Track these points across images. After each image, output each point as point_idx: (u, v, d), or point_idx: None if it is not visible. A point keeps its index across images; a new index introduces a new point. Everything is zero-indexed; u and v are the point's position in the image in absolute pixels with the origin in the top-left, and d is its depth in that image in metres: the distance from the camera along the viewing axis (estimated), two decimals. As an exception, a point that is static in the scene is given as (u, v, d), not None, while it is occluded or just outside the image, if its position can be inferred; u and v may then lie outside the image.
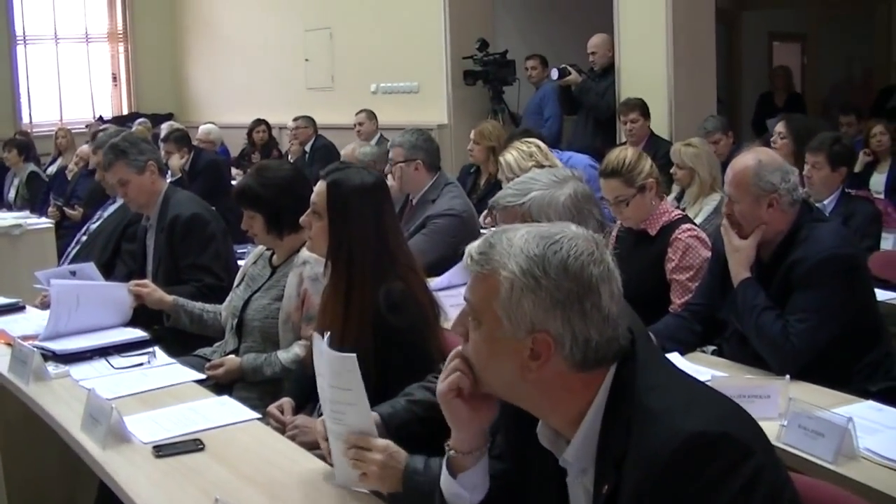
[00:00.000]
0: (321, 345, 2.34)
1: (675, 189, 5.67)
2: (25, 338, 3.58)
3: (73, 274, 4.24)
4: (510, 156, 4.67)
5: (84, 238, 5.65)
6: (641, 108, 7.16)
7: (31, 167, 9.71)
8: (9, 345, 3.53)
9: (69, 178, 8.93)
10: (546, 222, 2.38)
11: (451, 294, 3.53)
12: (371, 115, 9.34)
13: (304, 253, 3.43)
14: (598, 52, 8.04)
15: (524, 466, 1.88)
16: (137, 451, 2.62)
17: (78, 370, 3.36)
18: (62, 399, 3.10)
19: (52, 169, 10.21)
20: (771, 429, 2.52)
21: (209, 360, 3.60)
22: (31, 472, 3.84)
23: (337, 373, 2.27)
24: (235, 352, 3.58)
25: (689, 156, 5.41)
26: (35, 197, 9.26)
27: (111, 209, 5.58)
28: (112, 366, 3.42)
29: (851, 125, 8.38)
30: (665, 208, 3.95)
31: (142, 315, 3.92)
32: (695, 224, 4.06)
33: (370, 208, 2.85)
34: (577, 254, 1.63)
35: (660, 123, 7.38)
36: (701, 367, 3.13)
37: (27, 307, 4.29)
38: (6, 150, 9.79)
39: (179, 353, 3.65)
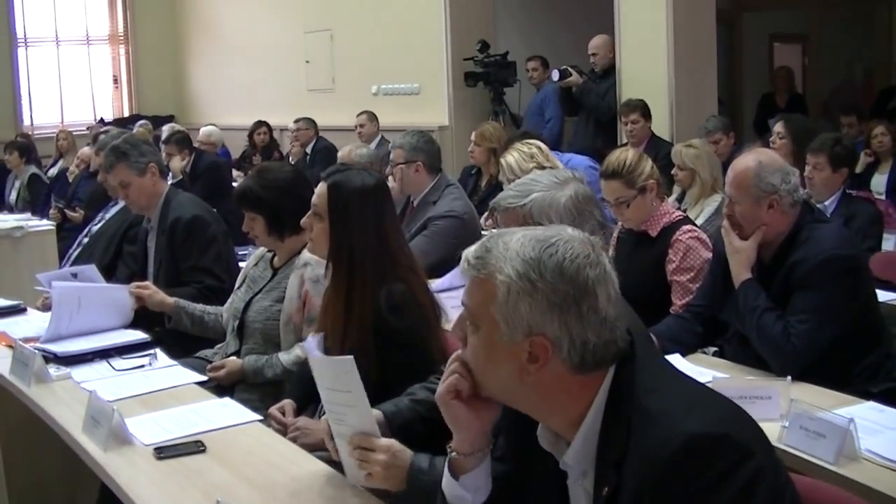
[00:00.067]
0: (315, 350, 2.34)
1: (677, 190, 5.67)
2: (27, 340, 3.58)
3: (75, 276, 4.24)
4: (511, 157, 4.67)
5: (86, 240, 5.65)
6: (642, 109, 7.17)
7: (33, 169, 9.72)
8: (10, 347, 3.53)
9: (70, 181, 8.94)
10: (547, 224, 2.39)
11: (452, 295, 3.52)
12: (372, 117, 9.35)
13: (306, 255, 3.43)
14: (599, 54, 8.04)
15: (525, 468, 1.88)
16: (139, 453, 2.62)
17: (79, 372, 3.37)
18: (63, 401, 3.10)
19: (53, 171, 10.22)
20: (772, 430, 2.52)
21: (210, 362, 3.61)
22: (32, 473, 3.85)
23: (335, 376, 2.28)
24: (237, 353, 3.58)
25: (690, 157, 5.41)
26: (36, 199, 9.27)
27: (113, 211, 5.59)
28: (113, 368, 3.42)
29: (852, 126, 8.38)
30: (666, 209, 3.95)
31: (143, 317, 3.92)
32: (696, 225, 4.06)
33: (371, 210, 2.85)
34: (573, 256, 1.63)
35: (661, 125, 7.38)
36: (702, 369, 3.14)
37: (28, 309, 4.30)
38: (7, 152, 9.80)
39: (181, 354, 3.66)
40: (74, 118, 13.01)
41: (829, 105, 11.48)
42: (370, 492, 2.33)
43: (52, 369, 3.34)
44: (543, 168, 4.35)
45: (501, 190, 4.04)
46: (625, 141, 7.22)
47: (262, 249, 3.77)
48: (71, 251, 5.75)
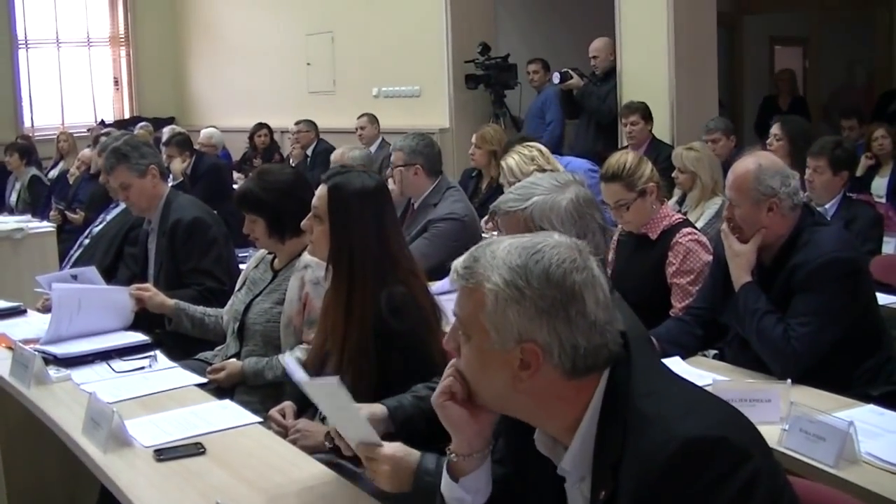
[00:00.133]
0: (296, 373, 2.36)
1: (677, 193, 5.67)
2: (27, 341, 3.58)
3: (75, 278, 4.24)
4: (512, 160, 4.67)
5: (86, 241, 5.66)
6: (642, 111, 7.17)
7: (33, 171, 9.72)
8: (10, 348, 3.53)
9: (71, 182, 8.93)
10: (548, 227, 2.39)
11: (452, 298, 3.51)
12: (373, 119, 9.35)
13: (306, 257, 3.43)
14: (600, 56, 8.04)
15: (524, 471, 1.88)
16: (138, 455, 2.62)
17: (79, 374, 3.37)
18: (63, 403, 3.10)
19: (53, 173, 10.22)
20: (772, 433, 2.53)
21: (210, 364, 3.61)
22: (31, 475, 3.85)
23: (324, 395, 2.30)
24: (237, 355, 3.58)
25: (691, 160, 5.41)
26: (37, 201, 9.27)
27: (114, 213, 5.59)
28: (113, 369, 3.42)
29: (853, 129, 8.38)
30: (665, 212, 3.96)
31: (143, 319, 3.92)
32: (695, 228, 4.06)
33: (371, 212, 2.85)
34: (559, 262, 1.64)
35: (661, 127, 7.38)
36: (702, 371, 3.13)
37: (28, 311, 4.30)
38: (8, 154, 9.80)
39: (181, 356, 3.66)
40: (75, 120, 13.02)
41: (829, 108, 11.48)
42: (369, 493, 2.34)
43: (52, 371, 3.34)
44: (544, 171, 4.34)
45: (502, 192, 4.05)
46: (625, 143, 7.22)
47: (262, 251, 3.77)
48: (71, 253, 5.76)
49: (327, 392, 2.27)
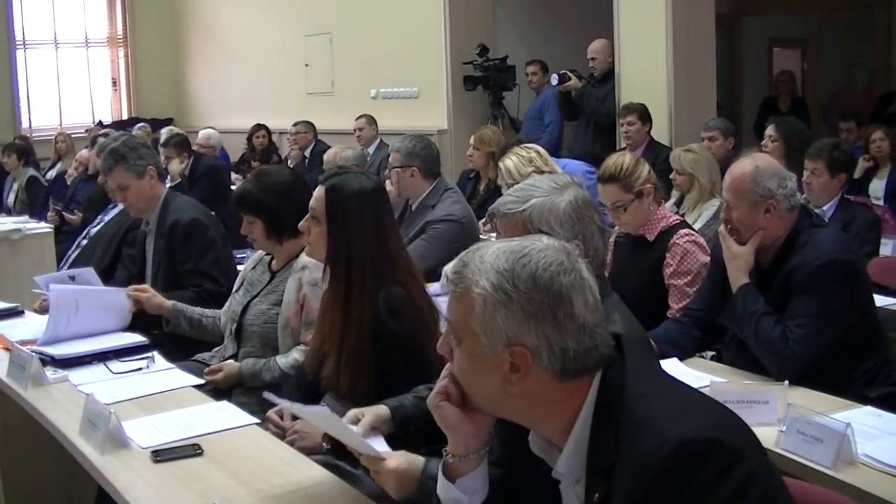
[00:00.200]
0: (284, 402, 2.38)
1: (675, 194, 5.67)
2: (24, 342, 3.58)
3: (73, 279, 4.24)
4: (510, 161, 4.67)
5: (84, 242, 5.66)
6: (640, 112, 7.17)
7: (31, 172, 9.71)
8: (7, 349, 3.53)
9: (69, 183, 8.93)
10: (547, 229, 2.39)
11: (450, 299, 3.54)
12: (371, 121, 9.35)
13: (304, 258, 3.43)
14: (598, 58, 8.04)
15: (519, 473, 1.88)
16: (136, 457, 2.62)
17: (76, 375, 3.36)
18: (60, 404, 3.10)
19: (51, 173, 10.21)
20: (770, 434, 2.53)
21: (208, 365, 3.60)
22: (29, 477, 3.84)
23: (320, 420, 2.31)
24: (234, 357, 3.57)
25: (689, 161, 5.41)
26: (34, 201, 9.27)
27: (112, 213, 5.59)
28: (111, 371, 3.42)
29: (851, 131, 8.38)
30: (663, 214, 3.96)
31: (141, 320, 3.92)
32: (693, 229, 4.07)
33: (369, 213, 2.85)
34: (546, 265, 1.65)
35: (659, 129, 7.39)
36: (700, 373, 3.14)
37: (26, 312, 4.29)
38: (5, 154, 9.79)
39: (178, 357, 3.66)
40: (73, 121, 13.01)
41: (828, 110, 11.48)
42: (367, 495, 2.34)
43: (50, 372, 3.34)
44: (542, 172, 4.35)
45: (500, 194, 4.04)
46: (623, 145, 7.22)
47: (260, 252, 3.77)
48: (69, 253, 5.76)
49: (320, 418, 2.31)
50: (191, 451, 2.62)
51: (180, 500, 2.37)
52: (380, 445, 2.31)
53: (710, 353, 3.58)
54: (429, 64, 9.55)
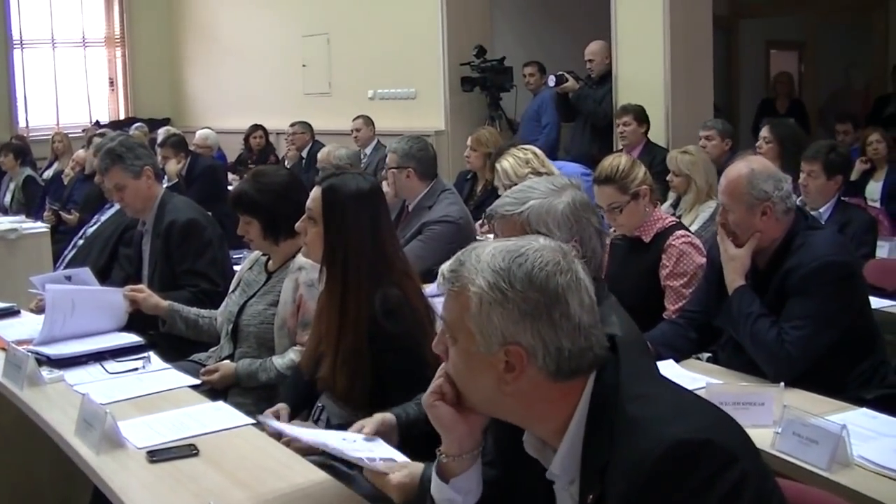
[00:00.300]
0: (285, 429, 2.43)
1: (672, 196, 5.68)
2: (20, 342, 3.57)
3: (69, 279, 4.24)
4: (506, 162, 4.67)
5: (80, 242, 5.65)
6: (636, 113, 7.17)
7: (28, 171, 9.70)
8: (3, 349, 3.52)
9: (65, 183, 8.92)
10: (544, 231, 2.39)
11: (446, 300, 3.53)
12: (368, 121, 9.36)
13: (300, 258, 3.43)
14: (596, 59, 8.05)
15: (514, 473, 1.89)
16: (131, 457, 2.62)
17: (72, 375, 3.36)
18: (56, 404, 3.09)
19: (48, 173, 10.20)
20: (765, 436, 2.53)
21: (204, 366, 3.60)
22: (24, 477, 3.84)
23: (321, 442, 2.35)
24: (230, 357, 3.57)
25: (686, 163, 5.43)
26: (31, 201, 9.26)
27: (108, 213, 5.59)
28: (107, 371, 3.42)
29: (848, 133, 8.40)
30: (659, 215, 3.97)
31: (137, 320, 3.92)
32: (689, 231, 4.07)
33: (366, 214, 2.85)
34: (542, 265, 1.65)
35: (656, 131, 7.40)
36: (696, 374, 3.14)
37: (22, 312, 4.29)
38: (2, 154, 9.78)
39: (174, 358, 3.65)
40: (70, 120, 13.01)
41: (825, 112, 11.50)
42: (363, 495, 2.34)
43: (45, 372, 3.33)
44: (538, 173, 4.36)
45: (497, 195, 4.05)
46: (620, 147, 7.23)
47: (256, 253, 3.77)
48: (65, 253, 5.75)
49: (319, 440, 2.35)
50: (187, 451, 2.61)
51: (176, 500, 2.37)
52: (381, 449, 2.32)
53: (707, 355, 3.58)
54: (426, 65, 9.55)
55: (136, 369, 3.43)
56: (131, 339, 3.70)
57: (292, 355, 3.39)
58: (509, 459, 1.89)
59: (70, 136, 10.83)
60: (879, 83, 11.87)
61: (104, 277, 4.70)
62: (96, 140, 7.36)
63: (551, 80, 8.19)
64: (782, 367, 3.05)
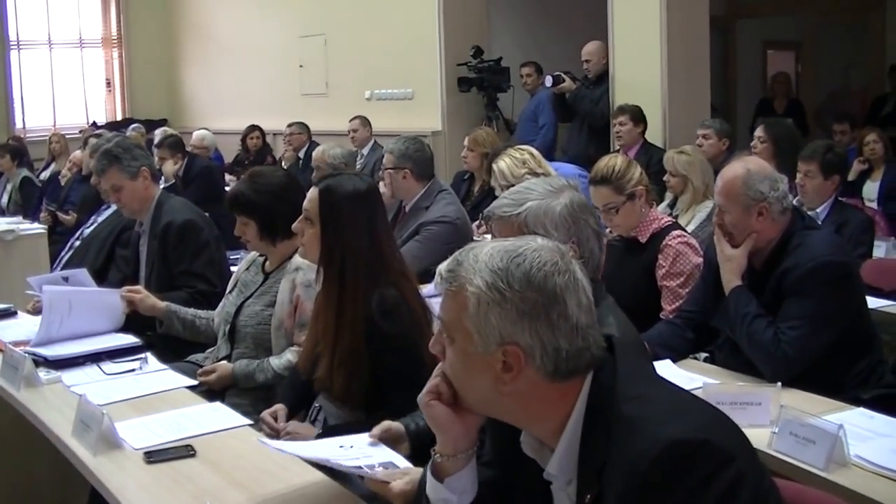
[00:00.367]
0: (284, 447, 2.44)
1: (668, 196, 5.68)
2: (17, 343, 3.57)
3: (66, 280, 4.23)
4: (503, 163, 4.67)
5: (77, 243, 5.65)
6: (632, 112, 7.17)
7: (25, 172, 9.69)
8: (0, 350, 3.52)
9: (62, 184, 8.92)
10: (542, 232, 2.39)
11: (443, 301, 3.53)
12: (365, 122, 9.36)
13: (297, 259, 3.43)
14: (593, 60, 8.05)
15: (511, 473, 1.89)
16: (129, 458, 2.61)
17: (69, 376, 3.36)
18: (53, 405, 3.09)
19: (45, 174, 10.20)
20: (762, 436, 2.53)
21: (201, 366, 3.60)
22: (21, 478, 3.84)
23: (322, 456, 2.35)
24: (228, 358, 3.57)
25: (682, 163, 5.43)
26: (28, 202, 9.25)
27: (105, 214, 5.58)
28: (104, 372, 3.42)
29: (845, 133, 8.40)
30: (655, 215, 3.97)
31: (134, 321, 3.91)
32: (685, 230, 4.07)
33: (362, 215, 2.85)
34: (540, 265, 1.65)
35: (653, 131, 7.40)
36: (693, 374, 3.14)
37: (19, 312, 4.28)
38: (-1, 155, 9.78)
39: (171, 358, 3.65)
40: (67, 121, 12.99)
41: (822, 112, 11.51)
42: (359, 496, 2.34)
43: (42, 373, 3.33)
44: (535, 174, 4.35)
45: (494, 195, 4.05)
46: (617, 147, 7.23)
47: (253, 254, 3.77)
48: (62, 254, 5.74)
49: (319, 454, 2.34)
50: (184, 452, 2.61)
51: (173, 500, 2.37)
52: (381, 453, 2.32)
53: (704, 355, 3.59)
54: (423, 65, 9.55)
55: (133, 370, 3.42)
56: (128, 340, 3.70)
57: (289, 356, 3.39)
58: (507, 459, 1.89)
59: (67, 136, 10.81)
60: (877, 83, 11.88)
61: (101, 278, 4.70)
62: (92, 141, 7.36)
63: (548, 81, 8.19)
64: (779, 367, 3.06)
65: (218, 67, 12.72)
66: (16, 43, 12.81)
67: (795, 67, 12.75)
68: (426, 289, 3.04)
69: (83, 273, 4.32)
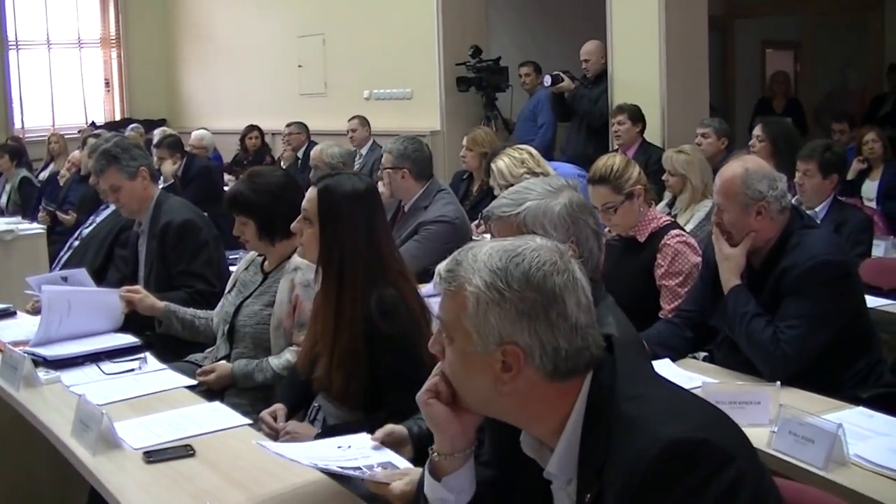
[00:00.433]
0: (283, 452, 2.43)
1: (667, 196, 5.69)
2: (16, 343, 3.57)
3: (65, 280, 4.23)
4: (502, 162, 4.67)
5: (76, 243, 5.65)
6: (630, 112, 7.16)
7: (23, 172, 9.69)
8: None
9: (61, 184, 8.91)
10: (541, 232, 2.39)
11: (442, 300, 3.53)
12: (364, 122, 9.35)
13: (296, 259, 3.43)
14: (591, 59, 8.05)
15: (511, 473, 1.89)
16: (128, 457, 2.61)
17: (69, 376, 3.36)
18: (52, 405, 3.09)
19: (44, 174, 10.20)
20: (762, 435, 2.53)
21: (200, 366, 3.60)
22: (21, 478, 3.84)
23: (320, 460, 2.35)
24: (227, 358, 3.57)
25: (681, 163, 5.43)
26: (27, 202, 9.24)
27: (104, 214, 5.58)
28: (103, 371, 3.42)
29: (844, 132, 8.41)
30: (653, 215, 3.97)
31: (133, 321, 3.91)
32: (683, 230, 4.07)
33: (361, 214, 2.85)
34: (540, 264, 1.65)
35: (652, 130, 7.39)
36: (692, 374, 3.14)
37: (18, 313, 4.28)
38: (-2, 155, 9.77)
39: (171, 358, 3.65)
40: (66, 121, 12.98)
41: (821, 111, 11.51)
42: (359, 495, 2.34)
43: (42, 373, 3.33)
44: (534, 173, 4.35)
45: (493, 195, 4.04)
46: (615, 146, 7.23)
47: (252, 253, 3.77)
48: (61, 254, 5.74)
49: (317, 459, 2.34)
50: (183, 451, 2.61)
51: (172, 500, 2.37)
52: (380, 454, 2.32)
53: (703, 354, 3.59)
54: (422, 65, 9.55)
55: (132, 370, 3.42)
56: (128, 339, 3.70)
57: (288, 356, 3.39)
58: (506, 459, 1.89)
59: (66, 137, 10.81)
60: (875, 83, 11.88)
61: (100, 278, 4.70)
62: (91, 141, 7.35)
63: (547, 80, 8.19)
64: (778, 366, 3.06)
65: (217, 67, 12.72)
66: (14, 43, 12.80)
67: (794, 67, 12.74)
68: (425, 288, 3.04)
69: (82, 273, 4.32)
